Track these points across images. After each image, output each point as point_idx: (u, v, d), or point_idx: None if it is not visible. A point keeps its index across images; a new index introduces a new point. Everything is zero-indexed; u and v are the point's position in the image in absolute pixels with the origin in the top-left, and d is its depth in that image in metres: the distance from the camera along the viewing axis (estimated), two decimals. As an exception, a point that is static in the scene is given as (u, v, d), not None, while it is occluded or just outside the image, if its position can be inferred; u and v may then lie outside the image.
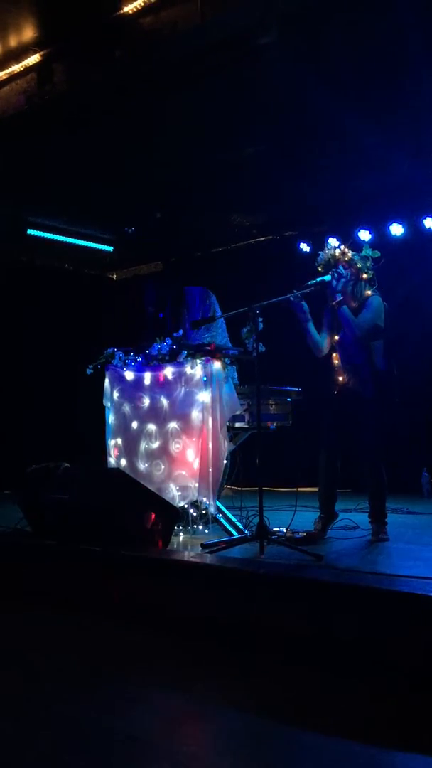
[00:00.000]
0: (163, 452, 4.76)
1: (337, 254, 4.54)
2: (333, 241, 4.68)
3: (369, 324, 4.44)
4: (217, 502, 4.57)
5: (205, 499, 4.51)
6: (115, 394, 5.20)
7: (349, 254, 4.53)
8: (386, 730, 2.27)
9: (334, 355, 4.63)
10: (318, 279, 4.45)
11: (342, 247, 4.58)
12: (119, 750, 2.18)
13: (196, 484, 4.51)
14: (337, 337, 4.60)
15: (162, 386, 4.83)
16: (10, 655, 3.22)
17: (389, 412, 4.53)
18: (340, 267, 4.46)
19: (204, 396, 4.52)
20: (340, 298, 4.42)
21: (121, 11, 4.77)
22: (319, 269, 4.61)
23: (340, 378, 4.58)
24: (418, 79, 5.13)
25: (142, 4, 4.68)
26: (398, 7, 4.35)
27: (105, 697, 2.64)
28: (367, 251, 4.54)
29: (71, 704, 2.57)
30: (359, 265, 4.51)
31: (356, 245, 4.72)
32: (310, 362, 4.94)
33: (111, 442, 5.25)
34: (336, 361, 4.61)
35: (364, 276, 4.52)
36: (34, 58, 5.37)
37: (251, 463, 4.49)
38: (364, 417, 4.46)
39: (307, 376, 5.36)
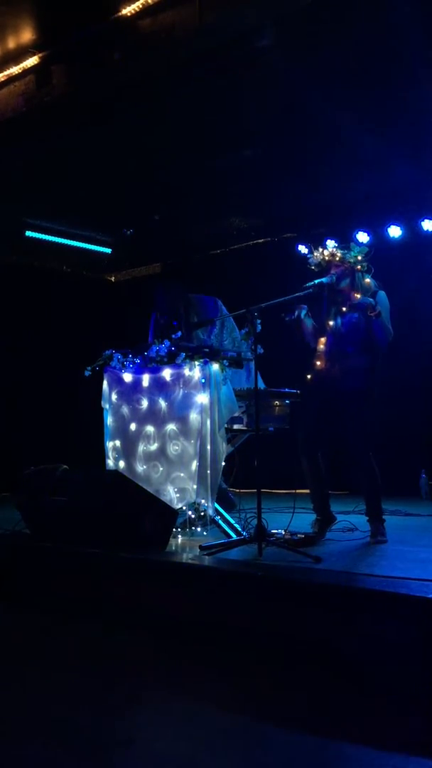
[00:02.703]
0: (162, 454, 4.76)
1: (326, 257, 4.57)
2: (329, 243, 4.69)
3: (389, 324, 4.48)
4: (216, 504, 4.57)
5: (203, 501, 4.51)
6: (114, 396, 5.20)
7: (339, 254, 4.57)
8: (386, 734, 2.27)
9: (321, 339, 4.61)
10: (316, 281, 4.47)
11: (329, 249, 4.62)
12: (117, 752, 2.18)
13: (195, 486, 4.51)
14: (332, 323, 4.58)
15: (160, 388, 4.83)
16: (7, 658, 3.22)
17: (373, 403, 4.50)
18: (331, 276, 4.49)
19: (202, 398, 4.52)
20: (378, 309, 4.38)
21: (120, 13, 4.77)
22: (314, 269, 4.63)
23: (318, 363, 4.56)
24: (417, 82, 5.14)
25: (141, 6, 4.68)
26: (396, 11, 4.37)
27: (103, 699, 2.64)
28: (355, 250, 4.58)
29: (69, 706, 2.56)
30: (351, 261, 4.54)
31: (346, 246, 4.75)
32: (308, 364, 4.93)
33: (109, 444, 5.25)
34: (321, 347, 4.59)
35: (359, 267, 4.55)
36: (32, 60, 5.37)
37: (250, 465, 4.49)
38: (348, 411, 4.44)
39: (304, 378, 5.36)
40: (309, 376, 4.58)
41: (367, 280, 4.54)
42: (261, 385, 5.11)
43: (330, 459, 4.59)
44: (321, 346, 4.59)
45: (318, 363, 4.57)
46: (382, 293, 4.53)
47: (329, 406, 4.49)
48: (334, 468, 4.59)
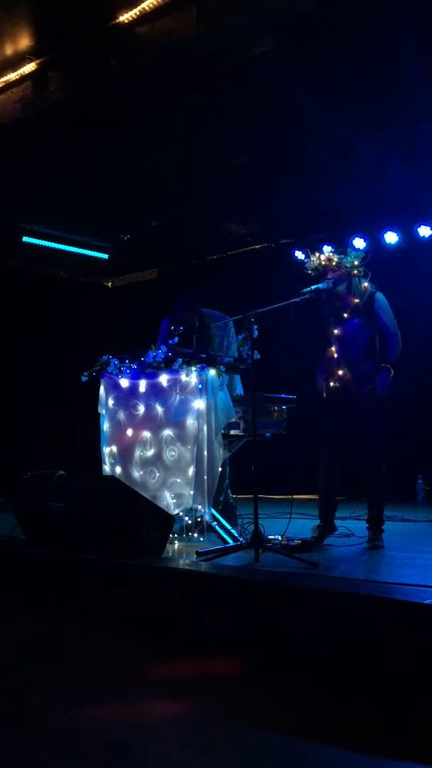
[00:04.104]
0: (158, 460, 4.75)
1: (323, 262, 4.59)
2: (326, 248, 4.70)
3: (394, 324, 4.52)
4: (212, 510, 4.57)
5: (200, 507, 4.51)
6: (110, 402, 5.20)
7: (335, 258, 4.58)
8: (384, 740, 2.27)
9: (332, 349, 4.63)
10: (312, 287, 4.48)
11: (325, 254, 4.63)
12: (113, 759, 2.17)
13: (191, 492, 4.50)
14: (336, 331, 4.60)
15: (157, 394, 4.83)
16: (3, 664, 3.21)
17: (387, 411, 4.51)
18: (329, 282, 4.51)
19: (199, 403, 4.52)
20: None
21: (117, 20, 4.78)
22: (311, 273, 4.64)
23: (340, 372, 4.57)
24: (413, 89, 5.16)
25: (138, 13, 4.70)
26: (393, 18, 4.39)
27: (99, 705, 2.63)
28: (351, 255, 4.59)
29: (64, 712, 2.55)
30: (348, 266, 4.55)
31: (343, 251, 4.76)
32: (305, 370, 4.95)
33: (106, 450, 5.24)
34: (334, 356, 4.61)
35: (355, 272, 4.56)
36: (30, 67, 5.38)
37: (246, 470, 4.48)
38: (361, 417, 4.45)
39: (302, 384, 5.37)
40: (331, 384, 4.57)
41: (365, 284, 4.56)
42: (239, 390, 5.15)
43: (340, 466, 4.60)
44: (334, 355, 4.60)
45: (334, 372, 4.58)
46: (379, 294, 4.54)
47: (347, 414, 4.49)
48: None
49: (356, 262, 4.54)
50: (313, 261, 4.63)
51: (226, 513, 4.88)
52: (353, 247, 4.68)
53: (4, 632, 3.77)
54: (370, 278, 4.58)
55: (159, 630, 3.45)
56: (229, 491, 5.15)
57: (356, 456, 4.50)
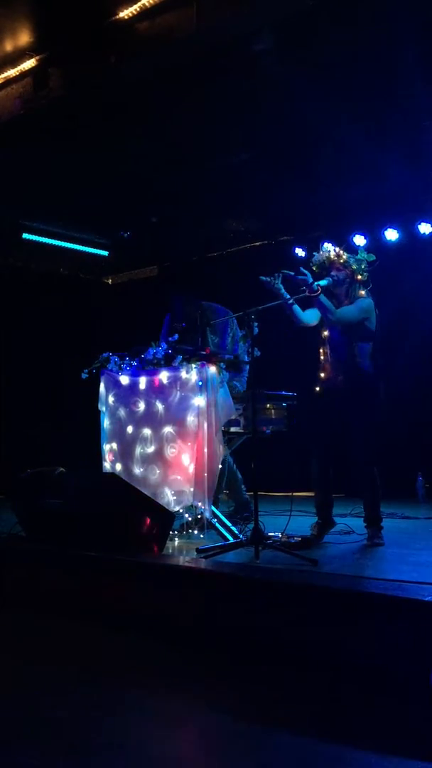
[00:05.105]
0: (159, 457, 4.75)
1: (332, 256, 4.55)
2: (328, 246, 4.67)
3: (347, 315, 4.40)
4: (213, 507, 4.57)
5: (200, 504, 4.51)
6: (111, 399, 5.20)
7: (344, 256, 4.54)
8: (383, 736, 2.27)
9: (322, 350, 4.62)
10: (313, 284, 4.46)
11: (337, 249, 4.59)
12: (110, 754, 2.17)
13: (192, 489, 4.50)
14: (326, 333, 4.59)
15: (157, 391, 4.83)
16: (1, 659, 3.21)
17: (377, 413, 4.51)
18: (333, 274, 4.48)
19: (199, 400, 4.52)
20: (318, 285, 4.33)
21: (117, 16, 4.78)
22: (314, 269, 4.61)
23: (323, 374, 4.56)
24: (412, 86, 5.16)
25: (138, 9, 4.69)
26: (392, 16, 4.39)
27: (96, 700, 2.63)
28: (362, 254, 4.56)
29: (61, 709, 2.55)
30: (354, 267, 4.52)
31: (351, 248, 4.73)
32: (306, 367, 4.95)
33: (106, 447, 5.24)
34: (322, 357, 4.60)
35: (359, 277, 4.53)
36: (30, 63, 5.38)
37: (247, 467, 4.49)
38: (351, 418, 4.45)
39: (302, 380, 5.38)
40: (318, 389, 4.56)
41: (362, 292, 4.51)
42: (242, 388, 5.16)
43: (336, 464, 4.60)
44: (322, 357, 4.59)
45: (322, 374, 4.57)
46: (364, 300, 4.47)
47: (338, 415, 4.48)
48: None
49: (363, 266, 4.50)
50: (321, 254, 4.59)
51: (241, 511, 4.94)
52: (357, 247, 4.63)
53: (3, 629, 3.77)
54: (369, 289, 4.54)
55: (158, 627, 3.46)
56: (243, 488, 5.22)
57: (348, 456, 4.50)
